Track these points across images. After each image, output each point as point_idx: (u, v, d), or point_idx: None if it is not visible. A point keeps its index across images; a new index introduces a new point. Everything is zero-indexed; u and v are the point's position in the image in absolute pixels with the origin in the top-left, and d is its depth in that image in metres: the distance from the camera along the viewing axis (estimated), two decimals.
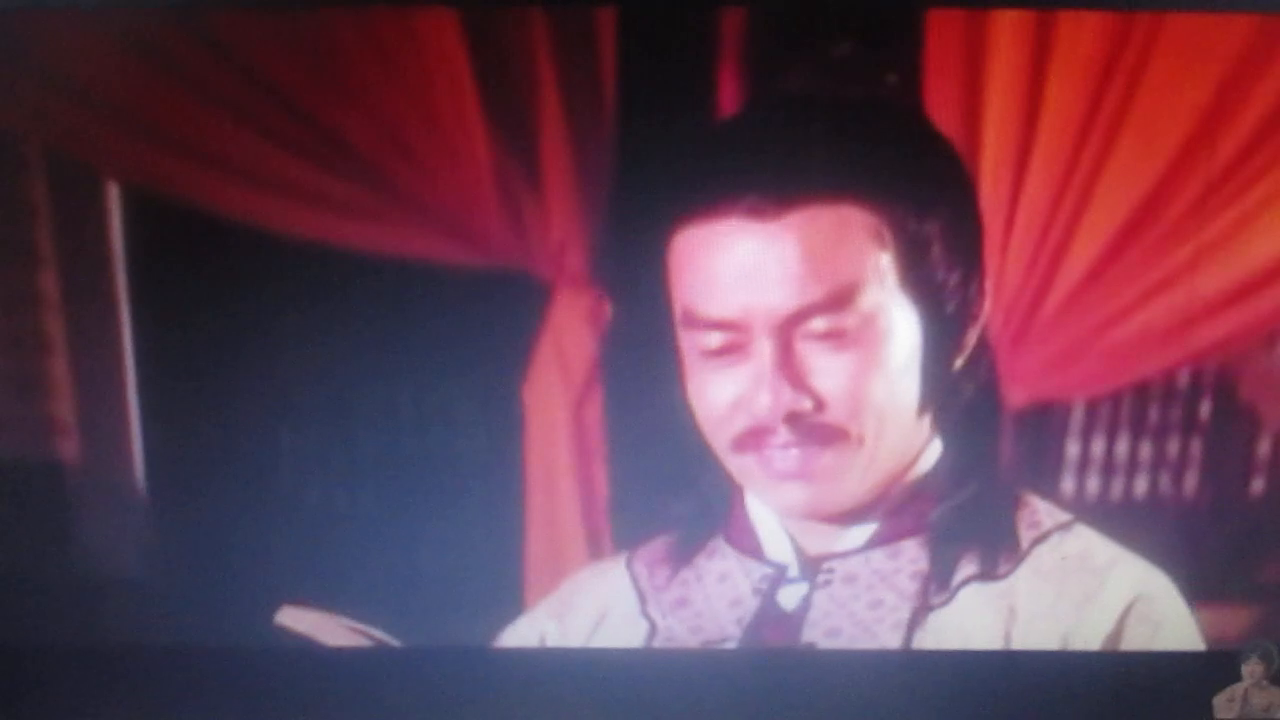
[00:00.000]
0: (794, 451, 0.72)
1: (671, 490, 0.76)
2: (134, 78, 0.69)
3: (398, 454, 0.76)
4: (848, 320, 0.70)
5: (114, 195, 0.71)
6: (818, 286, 0.69)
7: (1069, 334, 0.73)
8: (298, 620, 0.78)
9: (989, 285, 0.72)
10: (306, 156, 0.70)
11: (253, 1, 0.68)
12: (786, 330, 0.70)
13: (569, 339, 0.73)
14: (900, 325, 0.71)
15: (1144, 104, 0.69)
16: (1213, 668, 0.79)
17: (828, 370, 0.70)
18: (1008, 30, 0.67)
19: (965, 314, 0.72)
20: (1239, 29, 0.67)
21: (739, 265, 0.69)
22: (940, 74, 0.68)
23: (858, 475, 0.73)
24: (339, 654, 0.79)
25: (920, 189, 0.70)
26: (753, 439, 0.72)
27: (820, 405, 0.71)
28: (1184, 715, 0.81)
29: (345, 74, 0.68)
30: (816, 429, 0.71)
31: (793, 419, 0.71)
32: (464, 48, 0.68)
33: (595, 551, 0.77)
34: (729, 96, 0.69)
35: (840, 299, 0.69)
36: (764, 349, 0.70)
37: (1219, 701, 0.80)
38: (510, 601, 0.78)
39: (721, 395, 0.72)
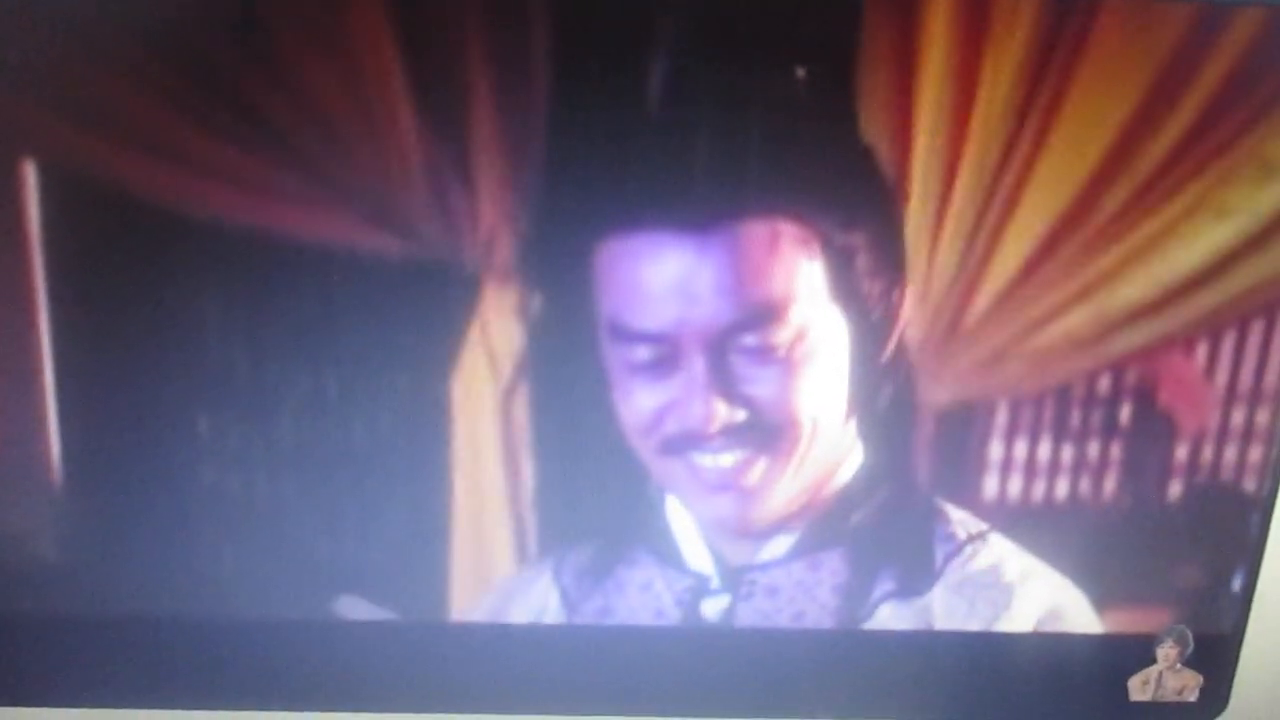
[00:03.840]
0: (726, 460, 0.72)
1: (595, 493, 0.76)
2: (48, 49, 0.66)
3: (321, 443, 0.74)
4: (781, 334, 0.70)
5: (29, 173, 0.69)
6: (751, 301, 0.69)
7: (994, 337, 0.73)
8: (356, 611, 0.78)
9: (910, 291, 0.72)
10: (228, 137, 0.68)
11: None
12: (719, 343, 0.69)
13: (497, 332, 0.72)
14: (831, 335, 0.71)
15: (1075, 102, 0.68)
16: (1128, 651, 0.81)
17: (761, 379, 0.70)
18: (944, 14, 0.66)
19: (888, 320, 0.72)
20: (1174, 19, 0.67)
21: (669, 278, 0.68)
22: (874, 65, 0.67)
23: (786, 483, 0.73)
24: (268, 625, 0.79)
25: (847, 201, 0.70)
26: (682, 443, 0.72)
27: (755, 413, 0.71)
28: (1100, 697, 0.83)
29: (267, 49, 0.66)
30: (752, 437, 0.71)
31: (728, 429, 0.71)
32: (390, 22, 0.66)
33: (521, 548, 0.77)
34: (662, 87, 0.67)
35: (773, 313, 0.69)
36: (696, 362, 0.70)
37: (1134, 684, 0.82)
38: (435, 596, 0.78)
39: (651, 403, 0.71)
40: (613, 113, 0.68)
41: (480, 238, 0.70)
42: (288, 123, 0.68)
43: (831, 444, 0.74)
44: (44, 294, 0.71)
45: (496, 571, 0.78)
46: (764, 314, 0.69)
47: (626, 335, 0.70)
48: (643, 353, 0.70)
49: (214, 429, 0.74)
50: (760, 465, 0.73)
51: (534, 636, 0.80)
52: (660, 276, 0.69)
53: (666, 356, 0.70)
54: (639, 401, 0.71)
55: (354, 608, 0.78)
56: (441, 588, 0.78)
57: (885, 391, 0.74)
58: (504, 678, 0.81)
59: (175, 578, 0.77)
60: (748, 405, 0.71)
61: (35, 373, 0.72)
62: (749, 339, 0.69)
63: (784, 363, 0.70)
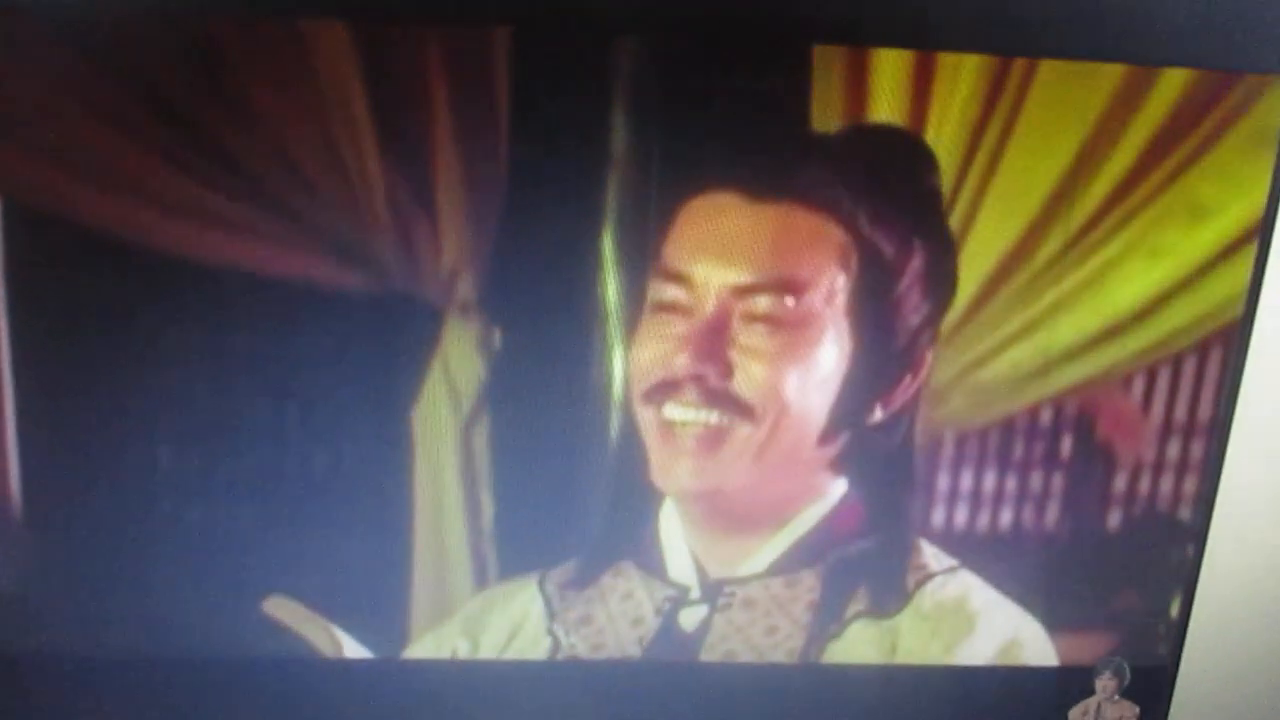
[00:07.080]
0: (692, 421, 0.74)
1: (575, 515, 0.78)
2: (14, 86, 0.67)
3: (282, 474, 0.75)
4: (789, 308, 0.72)
5: None
6: (773, 269, 0.72)
7: (940, 373, 0.76)
8: (284, 612, 0.78)
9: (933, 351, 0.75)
10: (193, 173, 0.69)
11: (135, 8, 0.66)
12: (730, 301, 0.72)
13: (458, 365, 0.73)
14: (832, 344, 0.74)
15: (1015, 154, 0.72)
16: (1068, 682, 0.83)
17: (750, 348, 0.73)
18: (889, 70, 0.70)
19: (906, 361, 0.75)
20: (1106, 78, 0.71)
21: (715, 232, 0.72)
22: (824, 112, 0.70)
23: (747, 458, 0.75)
24: (234, 663, 0.79)
25: (905, 221, 0.73)
26: (660, 392, 0.74)
27: (729, 373, 0.73)
28: None
29: (233, 88, 0.67)
30: (719, 396, 0.74)
31: (699, 380, 0.74)
32: (355, 64, 0.68)
33: (481, 578, 0.78)
34: (620, 123, 0.70)
35: (789, 287, 0.72)
36: (705, 309, 0.73)
37: (1074, 715, 0.84)
38: (396, 626, 0.78)
39: (654, 349, 0.74)
40: (575, 138, 0.70)
41: (444, 273, 0.72)
42: (253, 160, 0.69)
43: (800, 446, 0.76)
44: (6, 328, 0.71)
45: (457, 594, 0.78)
46: (780, 283, 0.72)
47: (661, 272, 0.73)
48: (667, 293, 0.73)
49: (177, 462, 0.74)
50: (722, 440, 0.75)
51: (497, 671, 0.80)
52: (709, 229, 0.72)
53: (683, 304, 0.73)
54: (646, 346, 0.74)
55: (282, 608, 0.78)
56: (402, 612, 0.78)
57: (880, 440, 0.77)
58: (465, 712, 0.82)
59: (137, 615, 0.77)
60: (727, 366, 0.73)
61: None
62: (759, 301, 0.72)
63: (778, 339, 0.73)
